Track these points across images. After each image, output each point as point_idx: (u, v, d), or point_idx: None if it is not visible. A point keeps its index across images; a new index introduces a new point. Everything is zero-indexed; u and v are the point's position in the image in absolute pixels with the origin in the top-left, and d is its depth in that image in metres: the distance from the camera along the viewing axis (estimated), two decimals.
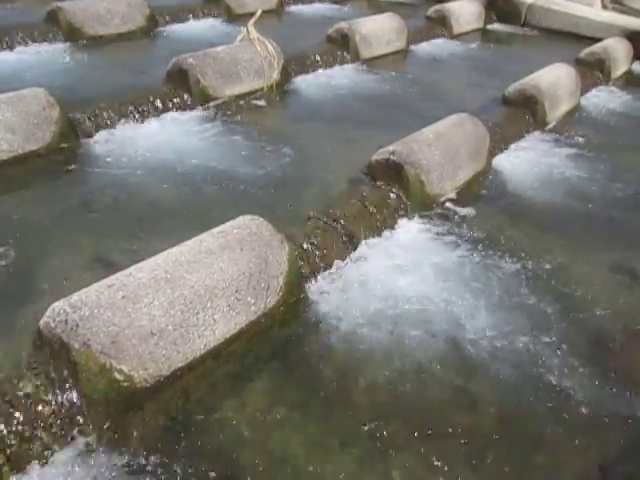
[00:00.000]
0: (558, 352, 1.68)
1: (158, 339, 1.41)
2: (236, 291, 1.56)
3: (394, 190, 2.26)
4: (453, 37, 4.94)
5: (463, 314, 1.79)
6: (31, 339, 1.45)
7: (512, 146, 3.04)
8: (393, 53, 4.25)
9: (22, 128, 2.30)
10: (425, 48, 4.54)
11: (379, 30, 4.14)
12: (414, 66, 4.12)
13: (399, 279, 1.92)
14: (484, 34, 5.29)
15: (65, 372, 1.38)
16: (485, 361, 1.63)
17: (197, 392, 1.49)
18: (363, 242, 2.07)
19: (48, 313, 1.40)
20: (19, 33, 3.50)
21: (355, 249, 2.03)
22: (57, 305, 1.39)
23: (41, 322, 1.40)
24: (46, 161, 2.34)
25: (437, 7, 5.10)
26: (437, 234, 2.20)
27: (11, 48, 3.42)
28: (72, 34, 3.64)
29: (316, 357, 1.62)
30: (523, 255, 2.10)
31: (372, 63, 3.95)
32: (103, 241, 1.90)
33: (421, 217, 2.28)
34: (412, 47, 4.48)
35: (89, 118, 2.57)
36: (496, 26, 5.56)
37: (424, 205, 2.32)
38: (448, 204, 2.40)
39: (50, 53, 3.43)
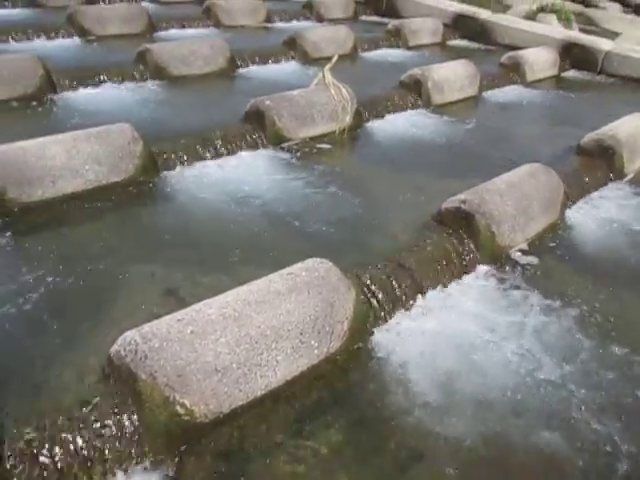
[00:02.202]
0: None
1: (221, 376, 1.42)
2: (300, 334, 1.56)
3: (463, 239, 2.23)
4: (527, 84, 4.88)
5: (526, 367, 1.72)
6: (101, 365, 1.50)
7: (587, 198, 2.93)
8: (465, 99, 4.24)
9: (108, 160, 2.44)
10: (498, 95, 4.51)
11: (451, 76, 4.16)
12: (486, 113, 4.09)
13: (465, 330, 1.87)
14: (559, 82, 5.20)
15: (130, 400, 1.42)
16: (556, 408, 1.55)
17: (254, 433, 1.48)
18: (430, 291, 2.03)
19: (119, 342, 1.44)
20: (111, 71, 3.74)
21: (422, 298, 2.00)
22: (128, 335, 1.43)
23: (112, 349, 1.45)
24: (127, 192, 2.46)
25: (511, 54, 5.07)
26: (506, 286, 2.13)
27: (103, 85, 3.66)
28: (158, 74, 3.86)
29: (376, 407, 1.58)
30: (595, 312, 2.01)
31: (444, 109, 3.95)
32: (174, 273, 1.96)
33: (490, 268, 2.22)
34: (485, 94, 4.46)
35: (169, 153, 2.69)
36: (571, 73, 5.46)
37: (494, 256, 2.26)
38: (518, 256, 2.33)
39: (137, 91, 3.64)
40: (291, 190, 2.60)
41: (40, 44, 4.43)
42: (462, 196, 2.31)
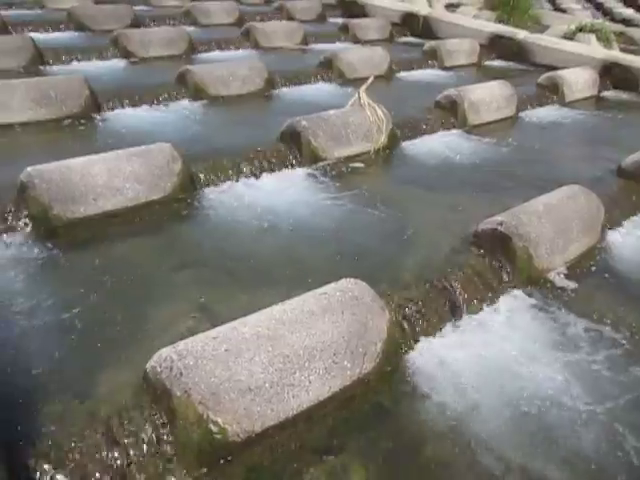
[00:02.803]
0: None
1: (254, 395, 1.43)
2: (334, 354, 1.56)
3: (500, 262, 2.19)
4: (565, 105, 4.81)
5: (568, 397, 1.66)
6: (137, 380, 1.52)
7: (629, 221, 2.86)
8: (502, 120, 4.21)
9: (147, 179, 2.50)
10: (536, 115, 4.46)
11: (488, 97, 4.14)
12: (523, 134, 4.04)
13: (501, 355, 1.83)
14: (598, 102, 5.11)
15: (164, 417, 1.43)
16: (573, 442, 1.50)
17: (285, 453, 1.47)
18: (465, 313, 2.00)
19: (155, 358, 1.46)
20: (152, 92, 3.85)
21: (457, 320, 1.97)
22: (164, 351, 1.45)
23: (148, 365, 1.47)
24: (165, 210, 2.52)
25: (549, 74, 5.02)
26: (543, 310, 2.08)
27: (145, 105, 3.77)
28: (197, 94, 3.96)
29: (408, 432, 1.56)
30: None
31: (480, 130, 3.93)
32: (209, 290, 1.98)
33: (527, 291, 2.18)
34: (522, 114, 4.42)
35: (207, 172, 2.75)
36: (611, 94, 5.36)
37: (531, 279, 2.22)
38: (556, 279, 2.28)
39: (177, 111, 3.74)
40: (325, 209, 2.62)
41: (86, 66, 4.61)
42: (499, 217, 2.28)
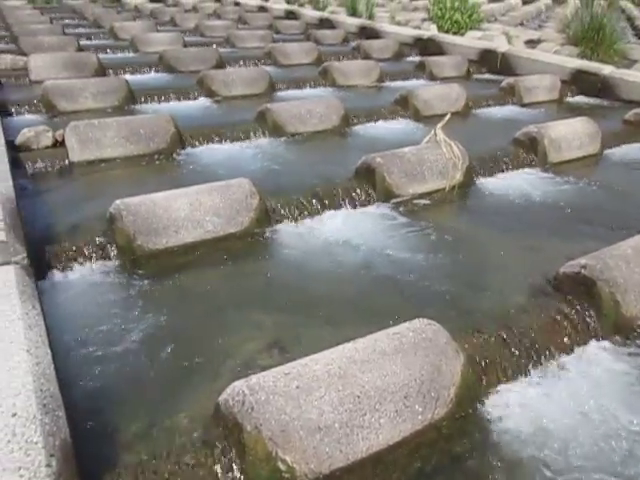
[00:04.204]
0: None
1: (324, 435, 1.41)
2: (405, 397, 1.52)
3: (583, 307, 2.08)
4: None
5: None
6: (208, 411, 1.55)
7: None
8: (585, 158, 4.04)
9: (226, 213, 2.59)
10: (622, 154, 4.25)
11: (570, 134, 4.00)
12: (608, 173, 3.86)
13: (582, 408, 1.72)
14: None
15: (234, 451, 1.45)
16: None
17: None
18: (542, 362, 1.90)
19: (228, 391, 1.49)
20: (233, 129, 4.02)
21: (534, 367, 1.88)
22: (237, 385, 1.47)
23: (220, 398, 1.50)
24: (241, 243, 2.59)
25: (638, 110, 4.80)
26: (631, 361, 1.95)
27: (226, 142, 3.94)
28: (276, 131, 4.09)
29: None
30: None
31: (561, 168, 3.79)
32: (281, 325, 2.00)
33: (612, 340, 2.05)
34: (607, 152, 4.23)
35: (282, 207, 2.81)
36: None
37: (617, 327, 2.08)
38: None
39: (256, 147, 3.87)
40: (399, 247, 2.60)
41: (174, 105, 4.89)
42: (582, 260, 2.18)
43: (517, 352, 1.86)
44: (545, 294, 2.18)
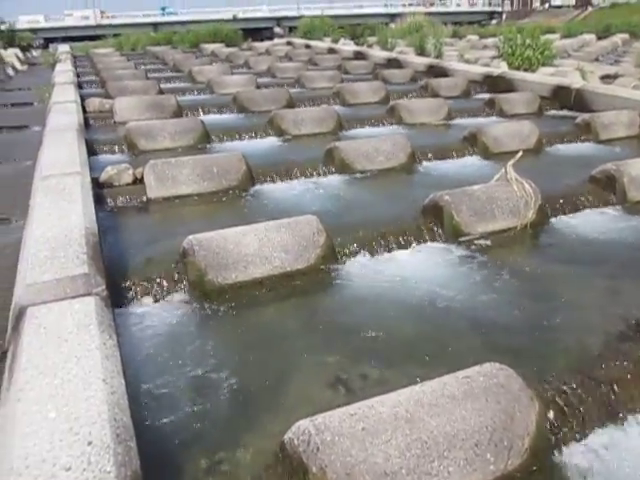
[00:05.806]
0: None
1: None
2: (475, 445, 1.46)
3: None
4: None
5: None
6: (273, 450, 1.54)
7: None
8: None
9: (294, 249, 2.63)
10: None
11: None
12: None
13: None
14: None
15: None
16: None
17: None
18: (626, 413, 1.78)
19: (293, 429, 1.48)
20: (302, 167, 4.12)
21: (615, 419, 1.76)
22: (302, 424, 1.46)
23: (286, 437, 1.49)
24: (308, 280, 2.61)
25: None
26: None
27: (295, 179, 4.04)
28: (343, 169, 4.14)
29: None
30: None
31: None
32: (347, 364, 1.98)
33: None
34: None
35: (349, 244, 2.82)
36: None
37: None
38: None
39: (324, 185, 3.93)
40: (467, 287, 2.53)
41: (246, 143, 5.08)
42: None
43: (596, 402, 1.75)
44: (628, 339, 2.05)
